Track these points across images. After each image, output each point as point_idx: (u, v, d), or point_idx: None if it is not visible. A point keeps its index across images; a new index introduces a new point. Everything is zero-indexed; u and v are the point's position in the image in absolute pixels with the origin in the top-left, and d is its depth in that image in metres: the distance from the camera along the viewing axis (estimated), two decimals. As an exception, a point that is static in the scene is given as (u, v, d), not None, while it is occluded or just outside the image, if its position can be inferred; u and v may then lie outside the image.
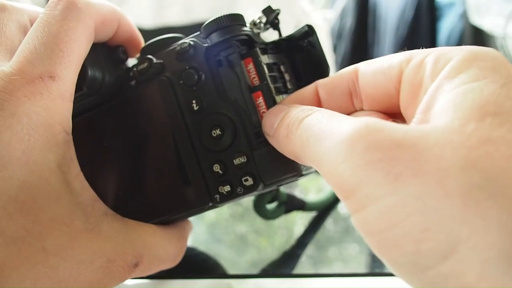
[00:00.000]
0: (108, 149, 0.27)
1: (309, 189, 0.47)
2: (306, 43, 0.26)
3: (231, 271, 0.32)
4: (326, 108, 0.22)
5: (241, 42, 0.24)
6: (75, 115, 0.23)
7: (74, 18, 0.23)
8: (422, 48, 0.21)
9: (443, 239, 0.15)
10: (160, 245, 0.25)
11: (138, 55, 0.28)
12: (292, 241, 0.35)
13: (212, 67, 0.24)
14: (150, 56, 0.26)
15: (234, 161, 0.24)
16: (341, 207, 0.41)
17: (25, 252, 0.19)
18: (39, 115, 0.21)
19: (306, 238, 0.35)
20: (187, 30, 0.26)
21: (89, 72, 0.25)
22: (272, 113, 0.23)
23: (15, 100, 0.21)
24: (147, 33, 0.29)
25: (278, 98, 0.24)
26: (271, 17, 0.25)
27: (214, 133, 0.24)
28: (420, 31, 1.59)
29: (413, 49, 0.21)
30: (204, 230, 0.38)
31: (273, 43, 0.26)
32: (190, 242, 0.36)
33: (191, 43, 0.25)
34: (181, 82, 0.25)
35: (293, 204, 0.34)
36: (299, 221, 0.38)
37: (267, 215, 0.32)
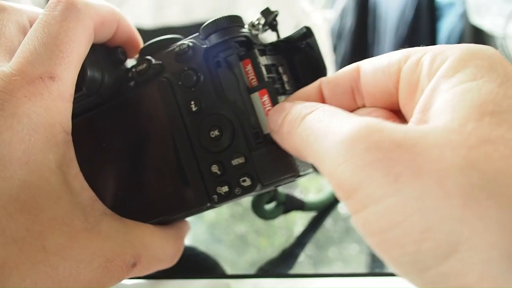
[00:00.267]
0: (107, 149, 0.27)
1: (309, 189, 0.47)
2: (304, 45, 0.26)
3: (231, 271, 0.32)
4: (330, 105, 0.22)
5: (240, 44, 0.24)
6: (74, 116, 0.23)
7: (74, 19, 0.23)
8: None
9: (443, 239, 0.15)
10: (158, 245, 0.25)
11: (137, 56, 0.28)
12: (292, 241, 0.35)
13: (211, 68, 0.24)
14: (149, 57, 0.26)
15: (233, 161, 0.24)
16: (341, 207, 0.41)
17: (26, 252, 0.19)
18: (39, 115, 0.21)
19: (305, 238, 0.35)
20: (187, 30, 0.26)
21: (88, 73, 0.25)
22: (276, 110, 0.23)
23: (16, 100, 0.21)
24: (147, 33, 0.29)
25: (277, 99, 0.24)
26: (270, 19, 0.26)
27: (213, 134, 0.24)
28: (420, 31, 1.59)
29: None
30: (204, 230, 0.38)
31: (272, 44, 0.26)
32: (190, 242, 0.36)
33: (190, 44, 0.25)
34: (180, 83, 0.25)
35: (292, 204, 0.34)
36: (299, 221, 0.38)
37: (265, 215, 0.32)
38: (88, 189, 0.23)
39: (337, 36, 1.77)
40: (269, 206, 0.33)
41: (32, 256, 0.20)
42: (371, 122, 0.17)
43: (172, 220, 0.27)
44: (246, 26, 0.25)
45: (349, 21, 1.76)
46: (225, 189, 0.24)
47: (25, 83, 0.21)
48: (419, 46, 0.21)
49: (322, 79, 0.24)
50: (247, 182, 0.24)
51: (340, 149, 0.17)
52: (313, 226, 0.37)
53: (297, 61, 0.26)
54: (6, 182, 0.20)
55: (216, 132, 0.24)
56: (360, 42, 1.73)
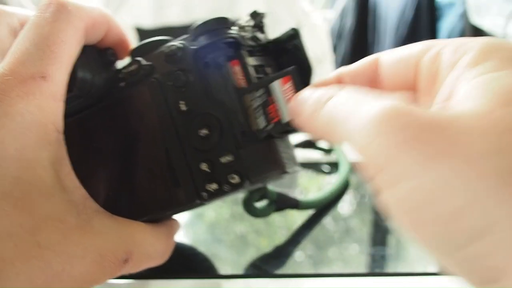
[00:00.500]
0: (98, 149, 0.27)
1: (309, 189, 0.47)
2: (291, 46, 0.26)
3: (231, 271, 0.32)
4: None
5: (228, 45, 0.25)
6: (66, 117, 0.24)
7: (65, 21, 0.23)
8: None
9: (477, 219, 0.15)
10: (149, 242, 0.25)
11: (127, 57, 0.28)
12: (293, 241, 0.35)
13: (200, 69, 0.25)
14: (139, 58, 0.26)
15: (221, 159, 0.24)
16: (341, 207, 0.41)
17: (20, 247, 0.20)
18: (32, 114, 0.21)
19: (299, 236, 0.35)
20: (187, 30, 0.26)
21: (79, 74, 0.25)
22: (300, 94, 0.23)
23: (9, 100, 0.21)
24: (147, 33, 0.29)
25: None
26: (257, 21, 0.26)
27: (202, 133, 0.25)
28: (420, 31, 1.60)
29: None
30: (204, 230, 0.38)
31: (260, 45, 0.27)
32: (190, 242, 0.36)
33: (180, 45, 0.25)
34: (170, 83, 0.25)
35: (284, 203, 0.35)
36: (300, 221, 0.38)
37: (256, 213, 0.33)
38: (80, 187, 0.23)
39: (337, 36, 1.78)
40: (260, 204, 0.33)
41: (26, 251, 0.20)
42: (399, 104, 0.17)
43: (163, 217, 0.27)
44: (235, 27, 0.26)
45: (349, 21, 1.76)
46: (214, 186, 0.25)
47: (17, 83, 0.21)
48: None
49: (341, 69, 0.24)
50: (236, 179, 0.24)
51: (373, 126, 0.17)
52: (310, 224, 0.37)
53: (285, 62, 0.27)
54: (0, 179, 0.20)
55: (205, 131, 0.25)
56: (360, 42, 1.73)
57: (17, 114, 0.21)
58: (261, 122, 0.24)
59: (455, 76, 0.19)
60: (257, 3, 1.11)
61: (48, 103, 0.22)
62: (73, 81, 0.25)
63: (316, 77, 0.26)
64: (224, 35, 0.25)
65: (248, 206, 0.32)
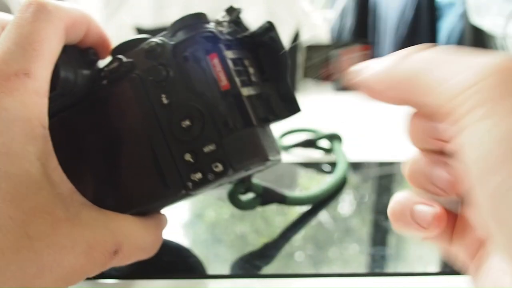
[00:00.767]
0: (83, 146, 0.28)
1: (309, 188, 0.47)
2: (267, 39, 0.27)
3: (231, 271, 0.32)
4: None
5: (206, 39, 0.26)
6: (50, 116, 0.24)
7: (45, 20, 0.24)
8: None
9: None
10: (138, 235, 0.26)
11: (108, 56, 0.29)
12: (293, 241, 0.35)
13: (180, 63, 0.26)
14: (120, 56, 0.27)
15: (204, 149, 0.25)
16: (341, 207, 0.41)
17: (10, 238, 0.20)
18: (17, 110, 0.22)
19: (299, 236, 0.36)
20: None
21: (62, 73, 0.26)
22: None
23: None
24: (147, 33, 0.29)
25: (244, 90, 0.25)
26: (233, 16, 0.27)
27: (184, 124, 0.25)
28: (420, 31, 1.60)
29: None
30: (204, 230, 0.38)
31: (237, 39, 0.27)
32: (190, 242, 0.36)
33: (159, 41, 0.26)
34: (151, 78, 0.26)
35: (271, 197, 0.35)
36: (300, 221, 0.38)
37: (241, 205, 0.33)
38: (67, 182, 0.24)
39: (337, 36, 1.78)
40: (246, 197, 0.33)
41: (16, 242, 0.20)
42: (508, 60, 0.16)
43: (150, 210, 0.28)
44: (211, 23, 0.27)
45: (349, 21, 1.76)
46: (198, 175, 0.25)
47: (1, 81, 0.22)
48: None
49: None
50: (219, 168, 0.25)
51: (484, 69, 0.16)
52: (310, 224, 0.37)
53: (262, 54, 0.28)
54: None
55: (187, 122, 0.25)
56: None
57: (1, 109, 0.22)
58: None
59: None
60: (257, 3, 1.11)
61: (32, 99, 0.23)
62: (56, 80, 0.25)
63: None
64: (202, 29, 0.26)
65: (232, 198, 0.33)
